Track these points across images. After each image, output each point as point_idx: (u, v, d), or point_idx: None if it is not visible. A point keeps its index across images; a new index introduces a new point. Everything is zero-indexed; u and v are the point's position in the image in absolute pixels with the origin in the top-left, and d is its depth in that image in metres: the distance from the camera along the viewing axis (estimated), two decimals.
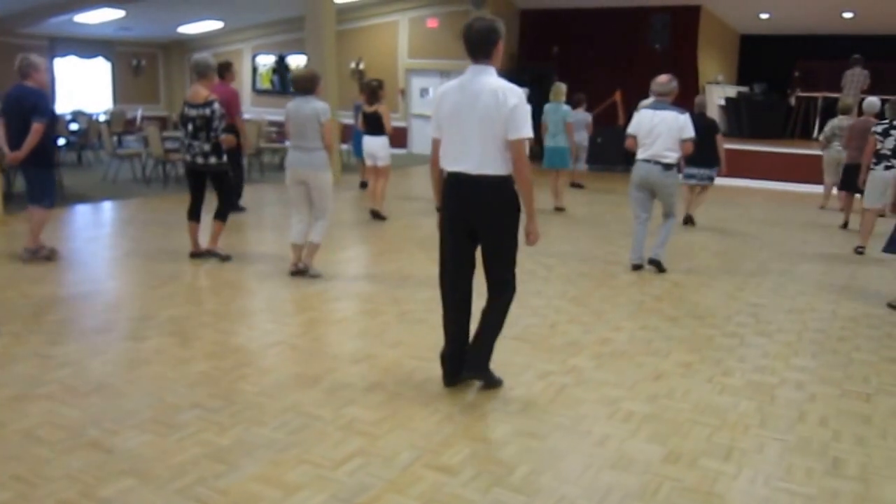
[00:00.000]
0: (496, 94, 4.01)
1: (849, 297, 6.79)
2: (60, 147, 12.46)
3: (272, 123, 16.55)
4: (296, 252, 6.93)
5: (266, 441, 3.75)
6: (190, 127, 7.17)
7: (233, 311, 5.94)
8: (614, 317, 6.03)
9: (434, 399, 4.25)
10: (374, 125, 10.01)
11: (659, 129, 7.02)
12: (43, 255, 7.39)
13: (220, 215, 7.49)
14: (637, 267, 7.49)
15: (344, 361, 4.88)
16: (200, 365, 4.75)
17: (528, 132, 4.03)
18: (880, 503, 3.33)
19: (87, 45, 20.13)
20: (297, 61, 20.14)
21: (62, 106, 18.74)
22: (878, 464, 3.69)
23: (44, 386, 4.35)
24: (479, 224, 4.20)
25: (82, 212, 10.31)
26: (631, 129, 7.30)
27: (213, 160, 7.25)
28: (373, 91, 10.04)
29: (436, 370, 4.52)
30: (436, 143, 4.28)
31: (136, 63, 21.74)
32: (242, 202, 10.46)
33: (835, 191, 11.58)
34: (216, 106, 7.10)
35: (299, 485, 3.34)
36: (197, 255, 7.57)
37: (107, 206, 10.79)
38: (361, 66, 19.52)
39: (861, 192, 8.88)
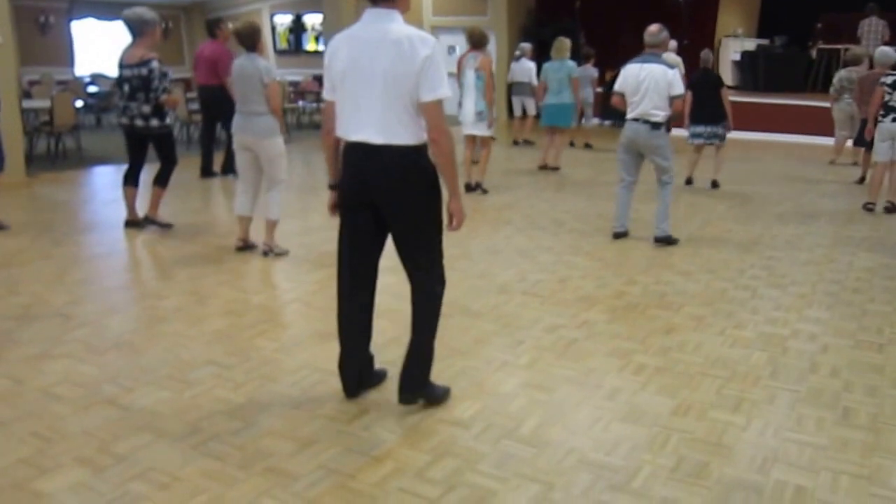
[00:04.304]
0: (401, 44, 3.23)
1: (866, 250, 6.73)
2: (78, 109, 12.46)
3: (290, 83, 16.55)
4: (242, 225, 6.43)
5: (281, 397, 3.82)
6: (126, 88, 6.75)
7: (250, 270, 6.00)
8: (628, 271, 6.03)
9: (448, 353, 4.27)
10: None
11: (646, 84, 6.51)
12: None
13: (161, 181, 7.16)
14: (619, 235, 6.97)
15: None
16: (217, 322, 4.82)
17: (444, 92, 3.26)
18: (890, 452, 3.34)
19: (106, 7, 20.06)
20: (313, 20, 20.02)
21: (82, 69, 18.77)
22: (889, 413, 3.70)
23: (64, 345, 4.44)
24: (387, 206, 3.46)
25: (102, 173, 10.38)
26: (617, 87, 6.78)
27: (154, 122, 6.83)
28: None
29: (452, 323, 4.58)
30: (329, 107, 3.54)
31: None
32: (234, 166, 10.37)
33: (849, 144, 11.33)
34: (154, 65, 6.62)
35: (314, 439, 3.40)
36: (133, 223, 7.21)
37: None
38: None
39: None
